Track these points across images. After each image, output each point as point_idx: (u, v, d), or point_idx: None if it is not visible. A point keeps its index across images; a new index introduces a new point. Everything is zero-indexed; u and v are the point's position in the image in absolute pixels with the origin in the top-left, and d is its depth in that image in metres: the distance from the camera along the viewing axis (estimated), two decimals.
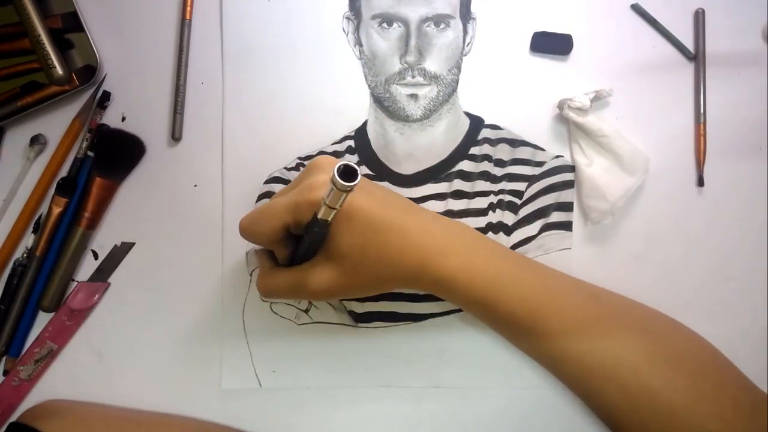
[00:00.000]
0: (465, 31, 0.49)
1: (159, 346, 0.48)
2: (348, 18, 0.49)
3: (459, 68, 0.49)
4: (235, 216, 0.48)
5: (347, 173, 0.31)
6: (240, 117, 0.49)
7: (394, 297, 0.48)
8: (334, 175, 0.31)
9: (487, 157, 0.49)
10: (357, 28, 0.49)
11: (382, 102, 0.49)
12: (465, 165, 0.49)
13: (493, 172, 0.49)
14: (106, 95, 0.48)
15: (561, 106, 0.48)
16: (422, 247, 0.39)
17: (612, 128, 0.47)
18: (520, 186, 0.49)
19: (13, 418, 0.47)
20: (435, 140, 0.49)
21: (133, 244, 0.49)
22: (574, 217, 0.49)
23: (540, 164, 0.49)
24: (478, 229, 0.48)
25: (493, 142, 0.49)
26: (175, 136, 0.48)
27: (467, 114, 0.49)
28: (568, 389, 0.41)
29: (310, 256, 0.40)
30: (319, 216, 0.35)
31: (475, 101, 0.49)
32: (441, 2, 0.48)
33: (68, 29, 0.47)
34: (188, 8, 0.48)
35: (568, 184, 0.49)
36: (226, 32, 0.49)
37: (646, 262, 0.49)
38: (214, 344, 0.48)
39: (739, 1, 0.49)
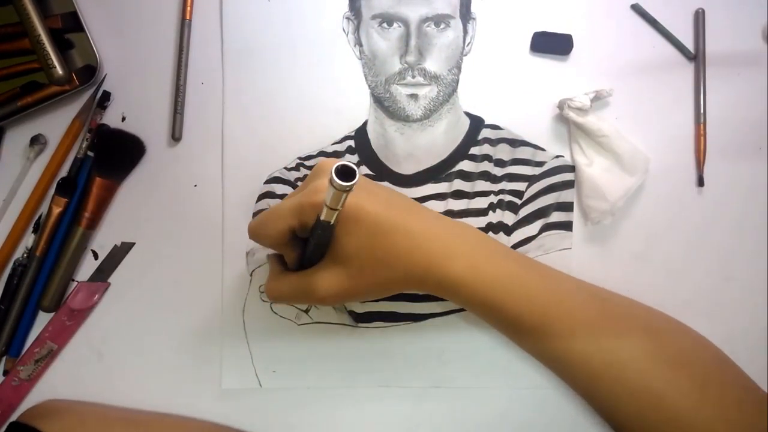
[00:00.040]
0: (465, 31, 0.49)
1: (159, 346, 0.48)
2: (348, 18, 0.49)
3: (459, 68, 0.49)
4: (235, 216, 0.48)
5: (345, 173, 0.31)
6: (240, 117, 0.49)
7: (394, 297, 0.48)
8: (331, 175, 0.31)
9: (487, 157, 0.49)
10: (357, 28, 0.49)
11: (382, 102, 0.49)
12: (465, 165, 0.49)
13: (493, 172, 0.49)
14: (106, 95, 0.48)
15: (561, 106, 0.48)
16: (428, 249, 0.39)
17: (612, 128, 0.47)
18: (520, 186, 0.49)
19: (14, 417, 0.47)
20: (435, 140, 0.49)
21: (133, 244, 0.49)
22: (574, 217, 0.49)
23: (540, 164, 0.49)
24: (478, 229, 0.48)
25: (494, 142, 0.49)
26: (175, 136, 0.48)
27: (467, 114, 0.49)
28: (568, 389, 0.41)
29: (317, 260, 0.40)
30: (322, 218, 0.35)
31: (475, 101, 0.49)
32: (441, 2, 0.48)
33: (68, 29, 0.47)
34: (188, 8, 0.48)
35: (568, 184, 0.49)
36: (226, 32, 0.49)
37: (646, 262, 0.49)
38: (214, 344, 0.48)
39: (739, 1, 0.49)
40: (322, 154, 0.49)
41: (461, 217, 0.48)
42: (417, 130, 0.49)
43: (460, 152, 0.49)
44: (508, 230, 0.48)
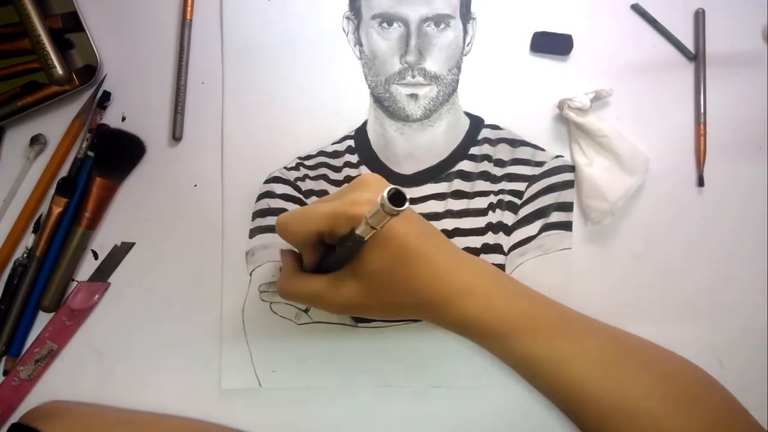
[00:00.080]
0: (465, 31, 0.49)
1: (159, 346, 0.48)
2: (348, 18, 0.49)
3: (459, 68, 0.49)
4: (235, 216, 0.48)
5: (396, 198, 0.31)
6: (240, 117, 0.49)
7: None
8: (383, 197, 0.31)
9: (487, 157, 0.49)
10: (357, 28, 0.49)
11: (382, 102, 0.49)
12: (465, 165, 0.49)
13: (493, 172, 0.49)
14: (106, 95, 0.48)
15: (561, 106, 0.48)
16: (447, 285, 0.39)
17: (612, 128, 0.47)
18: (520, 186, 0.49)
19: (14, 418, 0.47)
20: (435, 140, 0.49)
21: (133, 244, 0.49)
22: (574, 217, 0.49)
23: (540, 164, 0.49)
24: (477, 229, 0.48)
25: (493, 142, 0.49)
26: (176, 136, 0.48)
27: (467, 114, 0.49)
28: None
29: (336, 268, 0.40)
30: (358, 232, 0.35)
31: (475, 101, 0.49)
32: (441, 2, 0.48)
33: (68, 29, 0.47)
34: (188, 8, 0.48)
35: (568, 184, 0.49)
36: (226, 32, 0.49)
37: (646, 262, 0.49)
38: (214, 344, 0.48)
39: (739, 1, 0.49)
40: (322, 153, 0.49)
41: (461, 217, 0.48)
42: (417, 130, 0.49)
43: (460, 152, 0.49)
44: (508, 230, 0.48)
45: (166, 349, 0.48)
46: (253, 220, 0.48)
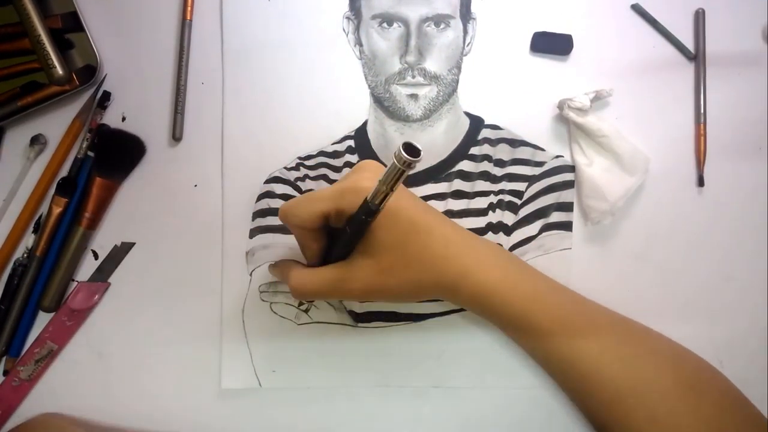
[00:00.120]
0: (465, 31, 0.49)
1: (159, 346, 0.48)
2: (348, 18, 0.49)
3: (459, 68, 0.49)
4: (235, 216, 0.48)
5: (410, 148, 0.31)
6: (240, 117, 0.49)
7: None
8: (399, 148, 0.31)
9: (487, 157, 0.49)
10: (357, 28, 0.49)
11: (382, 102, 0.49)
12: (465, 165, 0.49)
13: (493, 172, 0.49)
14: (106, 95, 0.48)
15: (561, 106, 0.48)
16: (464, 257, 0.39)
17: (612, 128, 0.47)
18: (520, 186, 0.49)
19: (13, 419, 0.47)
20: (435, 140, 0.49)
21: (133, 244, 0.49)
22: (574, 217, 0.49)
23: (540, 164, 0.49)
24: (477, 229, 0.48)
25: (493, 142, 0.49)
26: (176, 136, 0.48)
27: (467, 114, 0.49)
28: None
29: (344, 256, 0.40)
30: (370, 198, 0.35)
31: (475, 101, 0.49)
32: (441, 2, 0.48)
33: (68, 29, 0.47)
34: (188, 8, 0.48)
35: (568, 184, 0.49)
36: (226, 32, 0.49)
37: (646, 262, 0.49)
38: (214, 344, 0.48)
39: (739, 1, 0.49)
40: (322, 153, 0.49)
41: (461, 217, 0.48)
42: (417, 130, 0.49)
43: (460, 152, 0.49)
44: (508, 230, 0.48)
45: (166, 349, 0.48)
46: (253, 220, 0.48)
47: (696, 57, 0.49)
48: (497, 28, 0.49)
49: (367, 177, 0.38)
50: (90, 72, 0.47)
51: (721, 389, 0.41)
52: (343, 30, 0.49)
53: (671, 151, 0.49)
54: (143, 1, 0.49)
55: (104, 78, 0.48)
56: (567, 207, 0.49)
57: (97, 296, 0.48)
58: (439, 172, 0.49)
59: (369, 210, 0.35)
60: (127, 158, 0.48)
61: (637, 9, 0.49)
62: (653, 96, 0.49)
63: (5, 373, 0.47)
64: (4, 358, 0.48)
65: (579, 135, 0.48)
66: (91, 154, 0.48)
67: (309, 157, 0.49)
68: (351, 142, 0.49)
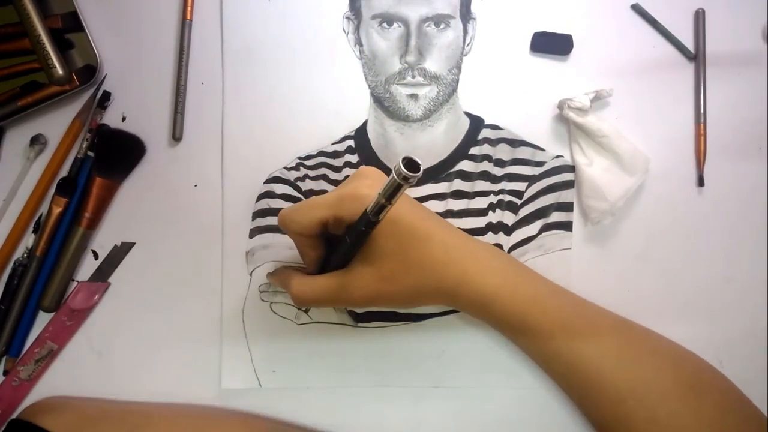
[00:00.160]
0: (465, 31, 0.49)
1: (159, 345, 0.48)
2: (348, 18, 0.49)
3: (459, 68, 0.49)
4: (235, 216, 0.48)
5: (410, 165, 0.31)
6: (240, 117, 0.49)
7: None
8: (398, 163, 0.31)
9: (487, 157, 0.49)
10: (357, 28, 0.49)
11: (382, 102, 0.49)
12: (465, 165, 0.49)
13: (493, 172, 0.49)
14: (106, 95, 0.48)
15: (561, 106, 0.48)
16: (463, 263, 0.39)
17: (612, 128, 0.47)
18: (520, 186, 0.49)
19: (15, 416, 0.47)
20: (435, 140, 0.49)
21: (133, 244, 0.49)
22: (574, 217, 0.49)
23: (540, 164, 0.49)
24: (477, 228, 0.48)
25: (493, 142, 0.49)
26: (176, 136, 0.48)
27: (467, 114, 0.49)
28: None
29: (343, 264, 0.40)
30: (369, 210, 0.35)
31: (475, 101, 0.49)
32: (441, 2, 0.48)
33: (68, 29, 0.47)
34: (188, 8, 0.48)
35: (568, 184, 0.49)
36: (226, 32, 0.49)
37: (646, 262, 0.49)
38: (214, 344, 0.48)
39: (739, 1, 0.49)
40: (322, 153, 0.49)
41: (461, 217, 0.48)
42: (417, 130, 0.49)
43: (460, 152, 0.49)
44: (508, 230, 0.48)
45: (166, 349, 0.48)
46: (253, 220, 0.48)
47: (696, 57, 0.49)
48: (497, 28, 0.49)
49: (366, 184, 0.38)
50: (90, 72, 0.47)
51: (722, 390, 0.41)
52: (343, 30, 0.49)
53: (671, 151, 0.49)
54: (143, 1, 0.49)
55: (104, 78, 0.48)
56: (567, 207, 0.49)
57: (97, 296, 0.48)
58: (439, 172, 0.49)
59: (368, 221, 0.35)
60: (127, 158, 0.48)
61: (637, 9, 0.49)
62: (653, 96, 0.49)
63: (5, 373, 0.48)
64: (4, 358, 0.48)
65: (579, 135, 0.48)
66: (91, 154, 0.48)
67: (309, 157, 0.49)
68: (351, 142, 0.49)
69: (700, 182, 0.49)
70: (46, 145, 0.48)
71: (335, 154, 0.49)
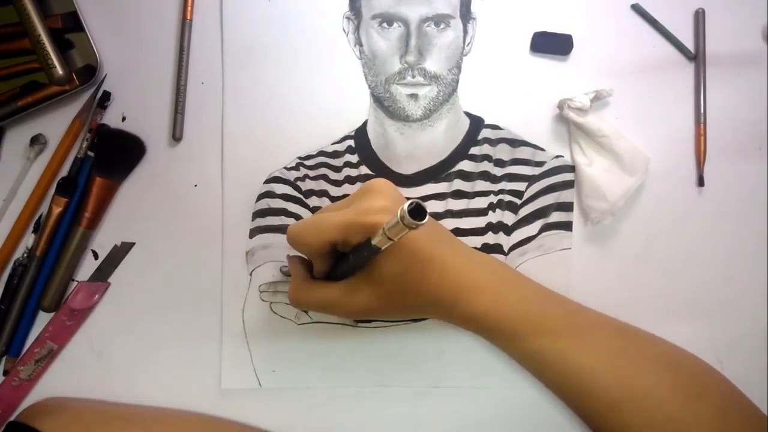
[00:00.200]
0: (465, 31, 0.49)
1: (159, 346, 0.48)
2: (348, 18, 0.49)
3: (459, 68, 0.49)
4: (235, 216, 0.48)
5: (416, 211, 0.31)
6: (240, 117, 0.49)
7: None
8: (404, 210, 0.31)
9: (487, 157, 0.49)
10: (357, 28, 0.49)
11: (382, 102, 0.49)
12: (465, 165, 0.49)
13: (493, 172, 0.49)
14: (106, 95, 0.48)
15: (561, 106, 0.48)
16: (457, 283, 0.39)
17: (612, 128, 0.47)
18: (520, 186, 0.49)
19: (13, 418, 0.47)
20: (435, 140, 0.49)
21: (133, 244, 0.49)
22: (574, 217, 0.49)
23: (540, 164, 0.49)
24: (477, 229, 0.48)
25: (493, 142, 0.49)
26: (176, 136, 0.48)
27: (467, 114, 0.49)
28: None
29: (349, 275, 0.40)
30: (374, 242, 0.35)
31: (475, 101, 0.49)
32: (441, 2, 0.48)
33: (68, 29, 0.47)
34: (188, 8, 0.48)
35: (568, 184, 0.49)
36: (226, 32, 0.49)
37: (646, 262, 0.49)
38: (214, 344, 0.48)
39: (739, 1, 0.49)
40: (322, 153, 0.49)
41: (461, 217, 0.48)
42: (417, 130, 0.49)
43: (460, 152, 0.49)
44: (508, 230, 0.48)
45: (166, 349, 0.48)
46: (253, 220, 0.48)
47: (696, 57, 0.49)
48: (497, 28, 0.49)
49: (378, 207, 0.37)
50: (90, 72, 0.47)
51: (722, 392, 0.41)
52: (343, 30, 0.49)
53: (671, 151, 0.49)
54: (143, 1, 0.49)
55: (104, 78, 0.48)
56: (567, 207, 0.49)
57: (97, 296, 0.48)
58: (439, 172, 0.49)
59: (371, 249, 0.36)
60: (127, 158, 0.48)
61: (637, 9, 0.49)
62: (653, 96, 0.49)
63: (5, 373, 0.47)
64: (4, 358, 0.48)
65: (579, 135, 0.48)
66: (91, 154, 0.48)
67: (309, 157, 0.49)
68: (351, 142, 0.49)
69: (700, 182, 0.49)
70: (46, 145, 0.48)
71: (335, 154, 0.49)
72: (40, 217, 0.48)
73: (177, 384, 0.48)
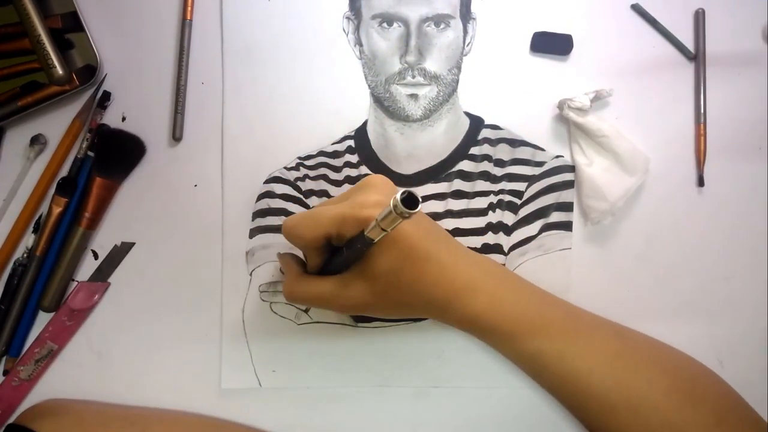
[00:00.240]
0: (465, 31, 0.49)
1: (159, 346, 0.48)
2: (348, 18, 0.49)
3: (459, 68, 0.49)
4: (235, 216, 0.48)
5: (409, 201, 0.31)
6: (240, 117, 0.49)
7: None
8: (396, 199, 0.31)
9: (487, 157, 0.49)
10: (357, 28, 0.49)
11: (382, 102, 0.49)
12: (465, 165, 0.49)
13: (493, 172, 0.49)
14: (106, 95, 0.48)
15: (561, 106, 0.48)
16: (453, 283, 0.39)
17: (612, 128, 0.47)
18: (520, 186, 0.49)
19: (12, 419, 0.47)
20: (435, 140, 0.49)
21: (133, 244, 0.49)
22: (574, 217, 0.49)
23: (540, 164, 0.49)
24: (477, 229, 0.48)
25: (493, 142, 0.49)
26: (176, 136, 0.48)
27: (467, 114, 0.49)
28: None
29: (343, 269, 0.40)
30: (367, 233, 0.35)
31: (475, 101, 0.49)
32: (441, 2, 0.48)
33: (68, 29, 0.47)
34: (188, 8, 0.48)
35: (568, 184, 0.49)
36: (226, 32, 0.49)
37: (646, 262, 0.49)
38: (214, 344, 0.48)
39: (739, 1, 0.49)
40: (322, 153, 0.49)
41: (461, 217, 0.48)
42: (417, 130, 0.49)
43: (460, 152, 0.49)
44: (508, 230, 0.48)
45: (166, 349, 0.48)
46: (253, 220, 0.48)
47: (696, 57, 0.49)
48: (497, 28, 0.49)
49: (372, 201, 0.37)
50: (90, 72, 0.47)
51: (720, 395, 0.41)
52: (343, 30, 0.49)
53: (671, 151, 0.49)
54: (143, 1, 0.49)
55: (104, 78, 0.48)
56: (567, 207, 0.49)
57: (97, 296, 0.48)
58: (439, 172, 0.49)
59: (365, 242, 0.36)
60: (127, 158, 0.48)
61: (637, 9, 0.49)
62: (653, 96, 0.49)
63: (5, 373, 0.48)
64: (4, 358, 0.48)
65: (579, 135, 0.48)
66: (91, 154, 0.48)
67: (309, 157, 0.49)
68: (351, 142, 0.49)
69: (700, 182, 0.49)
70: (46, 145, 0.48)
71: (335, 154, 0.49)
72: (40, 217, 0.48)
73: (177, 384, 0.48)
